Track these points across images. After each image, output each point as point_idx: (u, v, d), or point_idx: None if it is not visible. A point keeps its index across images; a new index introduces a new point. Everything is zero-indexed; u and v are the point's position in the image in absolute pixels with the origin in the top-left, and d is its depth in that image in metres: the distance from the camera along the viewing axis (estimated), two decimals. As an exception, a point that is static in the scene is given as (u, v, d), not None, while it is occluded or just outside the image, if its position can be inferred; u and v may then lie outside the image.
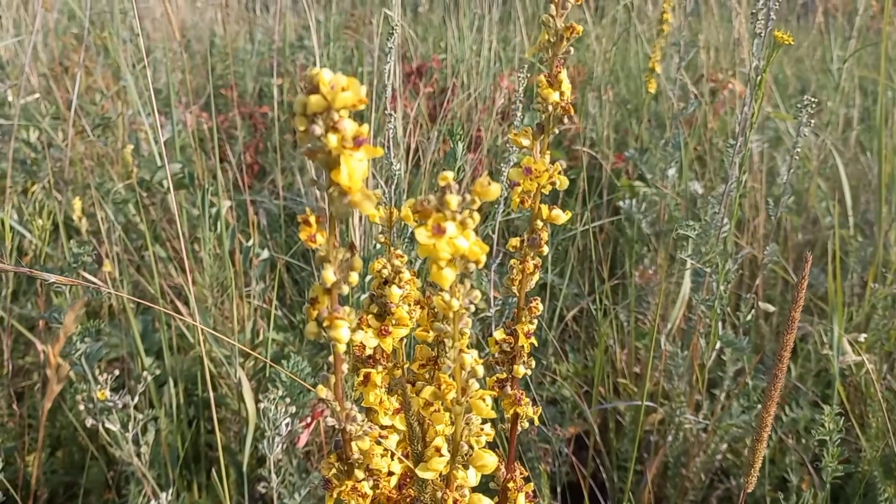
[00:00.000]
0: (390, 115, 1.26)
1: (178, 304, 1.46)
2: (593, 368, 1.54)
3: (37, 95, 1.72)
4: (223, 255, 1.46)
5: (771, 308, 1.36)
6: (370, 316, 0.56)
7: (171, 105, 1.93)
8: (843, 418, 0.95)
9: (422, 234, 0.44)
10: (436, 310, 0.54)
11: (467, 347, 0.52)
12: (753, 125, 1.07)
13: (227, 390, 1.33)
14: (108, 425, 0.99)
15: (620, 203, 1.72)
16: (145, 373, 1.02)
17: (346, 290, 0.45)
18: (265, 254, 1.58)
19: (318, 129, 0.41)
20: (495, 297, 1.57)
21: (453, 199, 0.44)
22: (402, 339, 0.60)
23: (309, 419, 1.04)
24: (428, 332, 0.59)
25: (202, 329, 1.15)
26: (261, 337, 1.48)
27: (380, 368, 0.58)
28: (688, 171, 1.98)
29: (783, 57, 3.26)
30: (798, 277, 0.58)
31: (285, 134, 2.39)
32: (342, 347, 0.46)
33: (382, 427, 0.59)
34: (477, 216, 0.46)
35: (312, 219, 0.43)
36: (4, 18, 2.50)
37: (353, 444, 0.49)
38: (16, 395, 1.36)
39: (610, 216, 2.07)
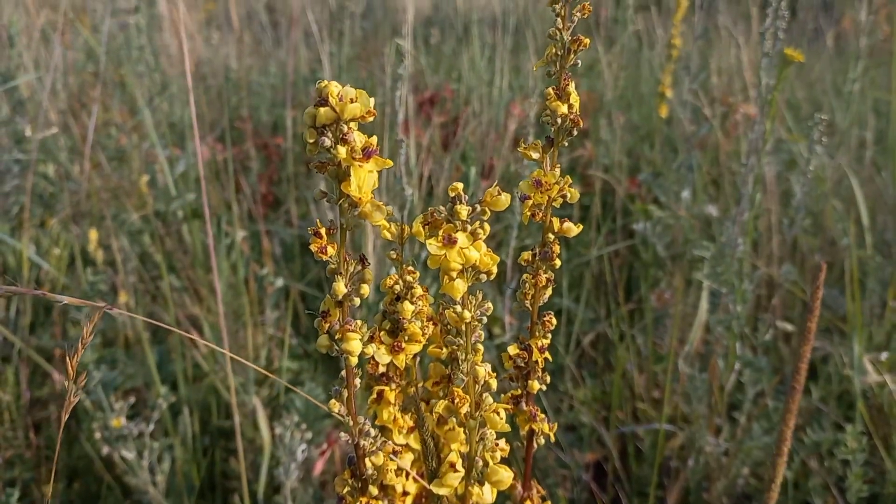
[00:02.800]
0: (402, 141, 1.27)
1: (194, 333, 1.46)
2: (611, 394, 1.53)
3: (55, 130, 1.75)
4: (237, 284, 1.46)
5: (790, 327, 1.34)
6: (383, 332, 0.56)
7: (186, 138, 1.95)
8: (866, 437, 0.93)
9: (433, 245, 0.44)
10: (448, 325, 0.54)
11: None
12: (766, 143, 1.06)
13: (241, 419, 1.32)
14: (123, 453, 0.98)
15: (635, 226, 1.72)
16: (160, 399, 1.02)
17: (357, 301, 0.45)
18: (280, 282, 1.58)
19: (328, 141, 0.41)
20: (510, 323, 1.56)
21: (463, 209, 0.44)
22: (415, 357, 0.60)
23: (325, 446, 1.04)
24: (441, 349, 0.58)
25: (218, 355, 1.15)
26: (275, 365, 1.47)
27: (393, 386, 0.57)
28: (702, 194, 1.98)
29: (795, 81, 3.27)
30: (813, 288, 0.57)
31: (299, 164, 2.41)
32: (354, 360, 0.45)
33: (396, 446, 0.59)
34: (487, 227, 0.46)
35: (322, 231, 0.43)
36: (25, 57, 2.55)
37: (366, 459, 0.49)
38: (33, 425, 1.36)
39: (624, 240, 2.07)
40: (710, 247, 1.19)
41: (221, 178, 1.97)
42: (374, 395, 0.57)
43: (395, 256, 0.58)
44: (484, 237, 0.45)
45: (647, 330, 1.65)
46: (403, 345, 0.56)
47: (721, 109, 2.49)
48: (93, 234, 1.51)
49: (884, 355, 1.24)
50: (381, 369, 0.58)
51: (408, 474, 0.59)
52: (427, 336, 0.57)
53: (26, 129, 1.75)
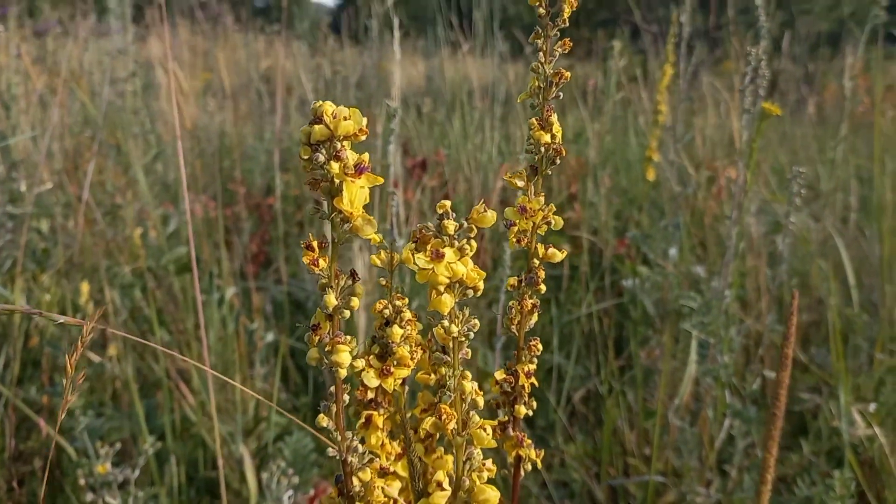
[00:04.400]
0: (393, 193, 1.30)
1: (182, 386, 1.46)
2: (602, 450, 1.52)
3: (50, 185, 1.77)
4: (227, 337, 1.46)
5: (772, 374, 1.35)
6: (372, 356, 0.57)
7: (178, 198, 1.98)
8: (854, 482, 0.93)
9: (421, 259, 0.46)
10: (436, 352, 0.55)
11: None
12: (748, 192, 1.09)
13: (228, 471, 1.31)
14: (108, 500, 0.97)
15: (624, 282, 1.74)
16: (147, 445, 1.01)
17: (347, 314, 0.46)
18: (270, 336, 1.58)
19: (322, 157, 0.43)
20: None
21: (451, 224, 0.45)
22: (403, 384, 0.60)
23: (312, 493, 1.03)
24: (430, 375, 0.59)
25: (207, 407, 1.14)
26: (264, 418, 1.46)
27: (381, 411, 0.58)
28: (689, 255, 2.00)
29: (778, 148, 3.35)
30: (787, 312, 0.58)
31: (291, 224, 2.43)
32: (343, 373, 0.46)
33: (384, 472, 0.59)
34: (474, 244, 0.47)
35: (315, 244, 0.45)
36: (22, 120, 2.59)
37: (353, 477, 0.49)
38: (17, 478, 1.34)
39: (613, 299, 2.09)
40: (697, 297, 1.20)
41: (214, 234, 1.99)
42: (363, 420, 0.57)
43: (384, 283, 0.59)
44: (471, 254, 0.47)
45: (637, 385, 1.65)
46: (392, 369, 0.57)
47: (707, 174, 2.54)
48: (84, 287, 1.52)
49: (872, 406, 1.25)
50: (370, 395, 0.59)
51: (395, 502, 0.59)
52: (416, 361, 0.58)
53: (21, 185, 1.77)
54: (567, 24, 0.54)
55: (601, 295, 2.11)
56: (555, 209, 0.56)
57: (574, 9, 0.54)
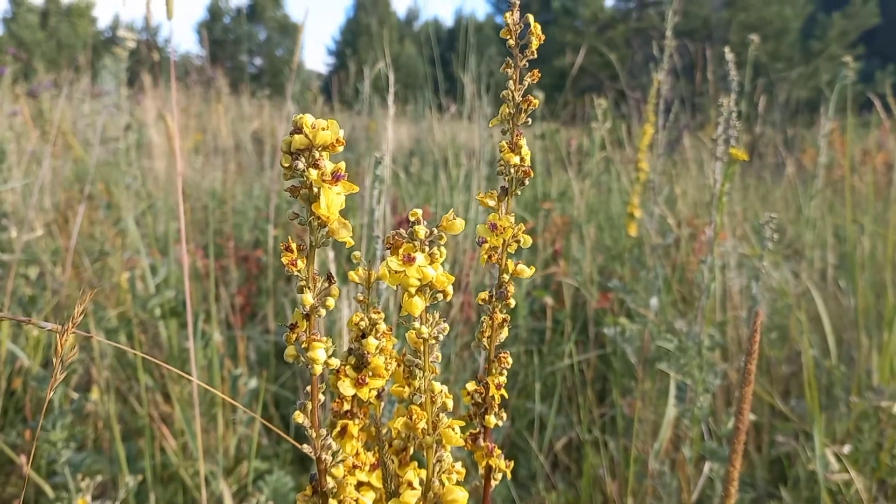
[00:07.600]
0: (377, 237, 1.33)
1: (164, 429, 1.46)
2: (582, 498, 1.52)
3: (40, 232, 1.79)
4: (211, 380, 1.47)
5: (752, 417, 1.37)
6: (348, 367, 0.59)
7: (169, 248, 2.00)
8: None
9: (393, 262, 0.49)
10: (411, 367, 0.57)
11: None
12: (720, 231, 1.13)
13: (209, 513, 1.30)
14: (86, 534, 0.97)
15: (606, 330, 1.76)
16: (128, 478, 1.02)
17: (323, 313, 0.48)
18: (253, 383, 1.59)
19: (301, 165, 0.46)
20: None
21: (422, 230, 0.48)
22: (379, 397, 0.62)
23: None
24: (404, 388, 0.61)
25: (189, 450, 1.15)
26: (244, 465, 1.46)
27: (357, 421, 0.60)
28: (671, 309, 2.04)
29: (759, 206, 3.42)
30: (751, 332, 0.61)
31: (279, 276, 2.46)
32: (318, 369, 0.49)
33: (359, 485, 0.61)
34: (444, 251, 0.50)
35: (294, 245, 0.48)
36: (14, 174, 2.63)
37: (327, 474, 0.51)
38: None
39: (595, 351, 2.11)
40: (673, 339, 1.23)
41: (202, 283, 2.01)
42: (338, 429, 0.59)
43: (361, 299, 0.62)
44: (441, 260, 0.50)
45: (618, 434, 1.66)
46: (367, 379, 0.59)
47: (688, 230, 2.60)
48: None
49: (846, 448, 1.26)
50: (346, 406, 0.61)
51: (370, 512, 0.60)
52: (390, 373, 0.60)
53: (11, 232, 1.79)
54: (535, 56, 0.58)
55: (583, 347, 2.14)
56: (529, 238, 0.59)
57: (541, 41, 0.59)
